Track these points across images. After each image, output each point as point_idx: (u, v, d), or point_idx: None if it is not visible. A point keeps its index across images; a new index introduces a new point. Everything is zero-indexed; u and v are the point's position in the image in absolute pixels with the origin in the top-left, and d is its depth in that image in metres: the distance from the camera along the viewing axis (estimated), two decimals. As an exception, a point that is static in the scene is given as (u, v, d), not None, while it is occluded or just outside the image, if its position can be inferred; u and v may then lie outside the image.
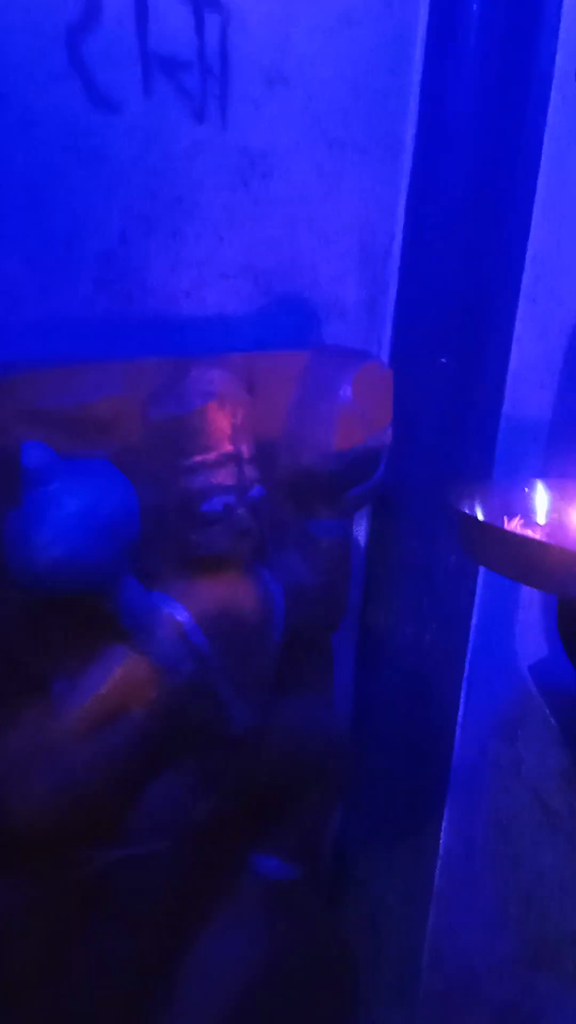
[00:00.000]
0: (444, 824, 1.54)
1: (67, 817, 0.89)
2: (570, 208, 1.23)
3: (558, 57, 1.18)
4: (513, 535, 1.03)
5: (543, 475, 1.42)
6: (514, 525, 1.12)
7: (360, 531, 1.47)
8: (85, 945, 0.97)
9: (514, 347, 1.33)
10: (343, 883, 1.65)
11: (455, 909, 1.59)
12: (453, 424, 1.39)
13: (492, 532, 1.02)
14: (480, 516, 1.08)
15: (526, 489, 1.19)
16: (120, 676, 0.94)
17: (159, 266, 1.04)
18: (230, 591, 1.03)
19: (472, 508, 1.11)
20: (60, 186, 0.93)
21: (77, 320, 0.98)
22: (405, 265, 1.35)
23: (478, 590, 1.45)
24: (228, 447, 0.99)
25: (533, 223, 1.28)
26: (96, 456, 0.92)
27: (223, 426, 0.98)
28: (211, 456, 0.97)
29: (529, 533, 1.10)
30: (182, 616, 0.99)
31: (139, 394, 0.95)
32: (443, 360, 1.37)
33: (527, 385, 1.32)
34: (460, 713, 1.49)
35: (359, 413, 1.12)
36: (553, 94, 1.18)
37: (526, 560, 0.94)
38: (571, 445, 1.39)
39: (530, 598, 1.44)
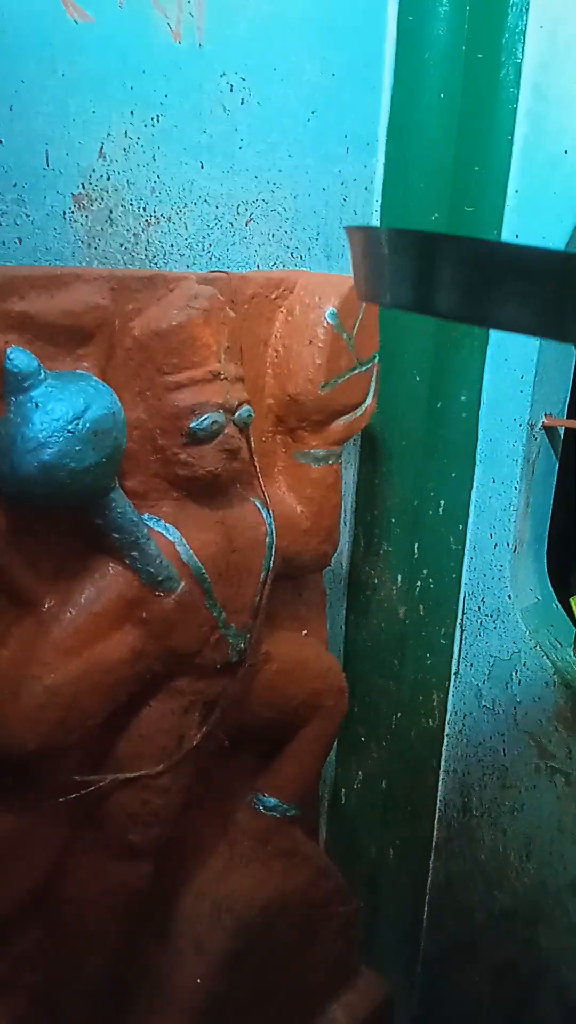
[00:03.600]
0: (441, 774, 1.52)
1: (56, 732, 0.86)
2: (550, 144, 1.23)
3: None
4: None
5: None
6: None
7: (349, 476, 1.46)
8: (78, 874, 0.94)
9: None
10: (340, 841, 1.63)
11: (453, 862, 1.57)
12: (440, 365, 1.38)
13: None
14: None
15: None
16: (113, 593, 0.92)
17: (140, 186, 1.03)
18: (220, 513, 1.01)
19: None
20: (37, 95, 0.91)
21: (56, 234, 0.96)
22: (387, 203, 1.34)
23: (468, 535, 1.44)
24: (215, 364, 0.97)
25: (513, 160, 1.27)
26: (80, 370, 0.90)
27: (209, 342, 0.96)
28: (198, 373, 0.95)
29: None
30: (173, 535, 0.97)
31: (123, 307, 0.93)
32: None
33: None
34: (454, 660, 1.48)
35: (346, 336, 1.11)
36: (531, 19, 1.18)
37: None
38: (556, 383, 1.39)
39: (522, 541, 1.43)
